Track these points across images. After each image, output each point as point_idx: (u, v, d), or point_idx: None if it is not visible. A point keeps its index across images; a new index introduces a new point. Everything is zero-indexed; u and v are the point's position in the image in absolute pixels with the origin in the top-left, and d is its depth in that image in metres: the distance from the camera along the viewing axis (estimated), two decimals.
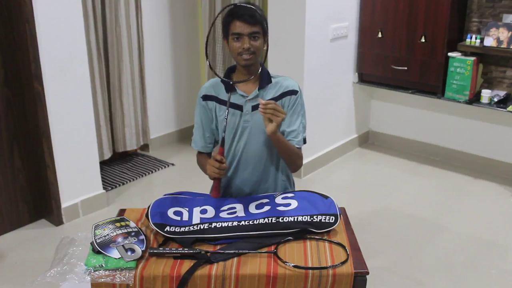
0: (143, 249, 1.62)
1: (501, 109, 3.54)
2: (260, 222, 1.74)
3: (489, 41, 3.52)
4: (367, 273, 1.58)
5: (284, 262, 1.58)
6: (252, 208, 1.84)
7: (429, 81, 3.81)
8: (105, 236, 1.65)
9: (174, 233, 1.70)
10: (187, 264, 1.58)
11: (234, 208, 1.86)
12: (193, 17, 4.50)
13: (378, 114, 4.54)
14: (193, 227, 1.73)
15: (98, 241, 1.63)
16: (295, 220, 1.74)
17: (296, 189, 2.09)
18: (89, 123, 3.29)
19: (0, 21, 2.92)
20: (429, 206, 3.52)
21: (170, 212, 1.80)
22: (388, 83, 4.09)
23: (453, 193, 3.74)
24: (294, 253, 1.64)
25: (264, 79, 1.99)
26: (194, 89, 4.56)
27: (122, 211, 1.90)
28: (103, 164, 3.96)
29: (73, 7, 3.03)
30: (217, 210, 1.84)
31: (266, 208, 1.83)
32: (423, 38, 3.73)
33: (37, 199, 3.28)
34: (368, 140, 4.64)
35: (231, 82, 1.95)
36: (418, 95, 3.93)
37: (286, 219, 1.74)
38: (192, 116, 2.12)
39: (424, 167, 4.13)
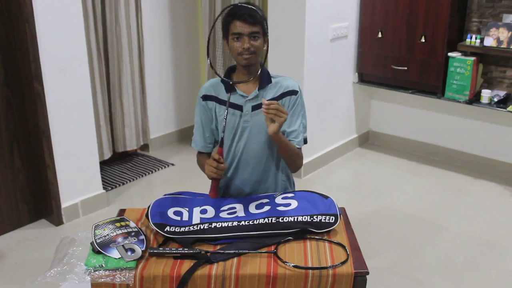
0: (143, 249, 1.62)
1: (501, 109, 3.54)
2: (260, 222, 1.74)
3: (489, 41, 3.52)
4: (367, 273, 1.58)
5: (284, 262, 1.58)
6: (252, 208, 1.84)
7: (429, 81, 3.81)
8: (105, 236, 1.65)
9: (174, 233, 1.70)
10: (187, 264, 1.58)
11: (234, 208, 1.86)
12: (193, 17, 4.50)
13: (378, 114, 4.54)
14: (193, 227, 1.73)
15: (98, 241, 1.63)
16: (295, 220, 1.74)
17: (296, 189, 2.09)
18: (89, 123, 3.29)
19: (0, 21, 2.92)
20: (429, 206, 3.52)
21: (170, 212, 1.80)
22: (388, 83, 4.09)
23: (453, 193, 3.74)
24: (294, 253, 1.64)
25: (264, 79, 1.99)
26: (194, 89, 4.56)
27: (122, 211, 1.90)
28: (103, 164, 3.96)
29: (73, 7, 3.03)
30: (217, 210, 1.84)
31: (266, 208, 1.83)
32: (423, 38, 3.73)
33: (37, 199, 3.28)
34: (368, 140, 4.64)
35: (230, 82, 1.95)
36: (418, 95, 3.93)
37: (286, 219, 1.75)
38: (192, 116, 2.12)
39: (424, 167, 4.13)
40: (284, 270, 1.56)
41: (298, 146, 2.00)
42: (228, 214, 1.82)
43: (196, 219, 1.78)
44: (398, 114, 4.39)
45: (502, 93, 3.64)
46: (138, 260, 1.59)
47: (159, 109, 4.43)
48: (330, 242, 1.70)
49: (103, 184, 3.56)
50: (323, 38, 3.78)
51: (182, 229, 1.72)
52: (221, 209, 1.85)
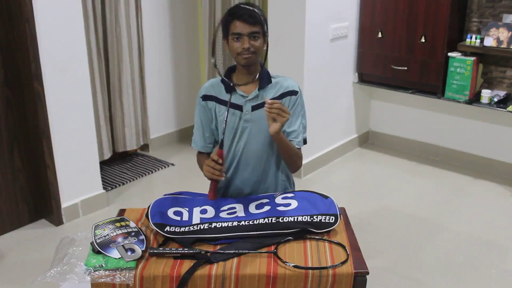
0: (143, 249, 1.62)
1: (501, 109, 3.54)
2: (260, 222, 1.74)
3: (489, 41, 3.52)
4: (367, 273, 1.58)
5: (284, 262, 1.58)
6: (252, 208, 1.84)
7: (429, 81, 3.81)
8: (105, 236, 1.65)
9: (174, 233, 1.70)
10: (187, 264, 1.58)
11: (234, 208, 1.86)
12: (193, 17, 4.50)
13: (378, 114, 4.54)
14: (193, 227, 1.73)
15: (98, 241, 1.63)
16: (295, 220, 1.74)
17: (296, 189, 2.09)
18: (89, 123, 3.29)
19: (0, 21, 2.92)
20: (429, 206, 3.52)
21: (170, 212, 1.80)
22: (388, 83, 4.09)
23: (453, 193, 3.74)
24: (294, 253, 1.64)
25: (264, 80, 1.99)
26: (194, 89, 4.56)
27: (122, 211, 1.90)
28: (103, 164, 3.96)
29: (73, 7, 3.03)
30: (217, 210, 1.84)
31: (266, 208, 1.83)
32: (423, 38, 3.73)
33: (37, 199, 3.28)
34: (368, 140, 4.64)
35: (232, 84, 1.95)
36: (418, 95, 3.93)
37: (286, 219, 1.75)
38: (192, 116, 2.12)
39: (424, 167, 4.13)
40: (284, 270, 1.56)
41: (298, 146, 2.00)
42: (228, 214, 1.82)
43: (196, 219, 1.78)
44: (398, 114, 4.39)
45: (502, 93, 3.64)
46: (138, 260, 1.59)
47: (159, 109, 4.43)
48: (330, 242, 1.70)
49: (103, 184, 3.56)
50: (323, 38, 3.78)
51: (182, 229, 1.72)
52: (221, 209, 1.85)
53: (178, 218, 1.78)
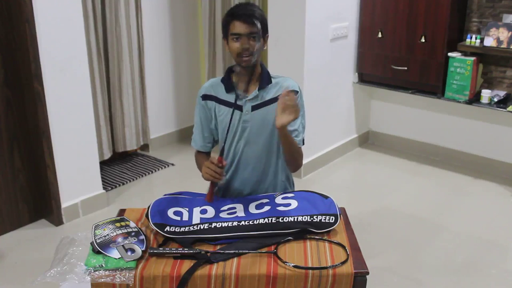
0: (143, 249, 1.62)
1: (501, 109, 3.54)
2: (260, 222, 1.74)
3: (489, 41, 3.52)
4: (367, 273, 1.58)
5: (284, 262, 1.58)
6: (252, 208, 1.84)
7: (429, 81, 3.81)
8: (105, 236, 1.65)
9: (174, 233, 1.70)
10: (187, 264, 1.58)
11: (234, 208, 1.86)
12: (193, 17, 4.50)
13: (378, 114, 4.53)
14: (193, 227, 1.73)
15: (98, 241, 1.63)
16: (295, 220, 1.74)
17: (296, 189, 2.09)
18: (89, 123, 3.29)
19: (0, 21, 2.92)
20: (429, 206, 3.52)
21: (170, 212, 1.80)
22: (388, 83, 4.09)
23: (453, 193, 3.74)
24: (294, 253, 1.64)
25: (264, 80, 1.99)
26: (194, 89, 4.56)
27: (122, 211, 1.90)
28: (103, 164, 3.96)
29: (73, 7, 3.03)
30: (217, 210, 1.84)
31: (266, 208, 1.83)
32: (423, 38, 3.73)
33: (37, 199, 3.28)
34: (368, 140, 4.64)
35: (238, 92, 1.94)
36: (418, 95, 3.93)
37: (286, 219, 1.75)
38: (192, 116, 2.13)
39: (424, 167, 4.13)
40: (284, 270, 1.56)
41: (298, 145, 2.00)
42: (228, 214, 1.82)
43: (196, 219, 1.78)
44: (398, 114, 4.39)
45: (502, 93, 3.64)
46: (138, 260, 1.59)
47: (159, 109, 4.43)
48: (330, 242, 1.70)
49: (103, 184, 3.56)
50: (323, 38, 3.78)
51: (182, 229, 1.72)
52: (221, 209, 1.85)
53: (178, 218, 1.78)
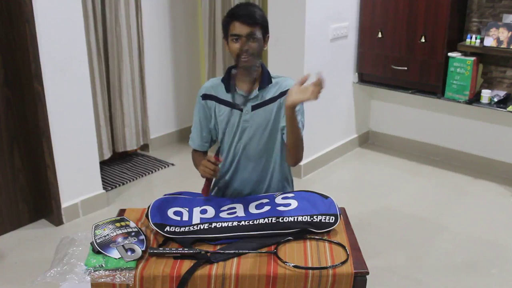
0: (143, 249, 1.63)
1: (501, 109, 3.54)
2: (260, 222, 1.74)
3: (489, 41, 3.52)
4: (367, 273, 1.58)
5: (284, 262, 1.58)
6: (252, 208, 1.84)
7: (429, 81, 3.81)
8: (105, 236, 1.65)
9: (174, 233, 1.70)
10: (187, 264, 1.58)
11: (234, 208, 1.86)
12: (193, 17, 4.50)
13: (378, 114, 4.53)
14: (193, 227, 1.73)
15: (98, 241, 1.63)
16: (295, 220, 1.74)
17: (295, 189, 2.09)
18: (89, 123, 3.29)
19: (0, 21, 2.92)
20: (429, 206, 3.52)
21: (170, 212, 1.80)
22: (388, 83, 4.09)
23: (453, 193, 3.74)
24: (294, 253, 1.64)
25: (265, 80, 1.99)
26: (194, 89, 4.56)
27: (122, 211, 1.90)
28: (103, 164, 3.96)
29: (73, 7, 3.03)
30: (217, 210, 1.84)
31: (266, 208, 1.83)
32: (423, 38, 3.73)
33: (37, 199, 3.28)
34: (368, 140, 4.64)
35: (243, 96, 1.95)
36: (418, 95, 3.93)
37: (286, 219, 1.75)
38: (192, 116, 2.13)
39: (424, 167, 4.13)
40: (284, 270, 1.56)
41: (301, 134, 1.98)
42: (228, 214, 1.82)
43: (196, 219, 1.78)
44: (398, 114, 4.39)
45: (502, 93, 3.64)
46: (138, 260, 1.59)
47: (159, 109, 4.43)
48: (330, 242, 1.70)
49: (103, 184, 3.56)
50: (323, 38, 3.78)
51: (182, 229, 1.72)
52: (221, 209, 1.85)
53: (178, 218, 1.78)
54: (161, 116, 4.48)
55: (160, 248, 1.63)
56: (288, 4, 3.59)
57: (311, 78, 1.76)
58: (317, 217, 1.75)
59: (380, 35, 3.95)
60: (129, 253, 1.59)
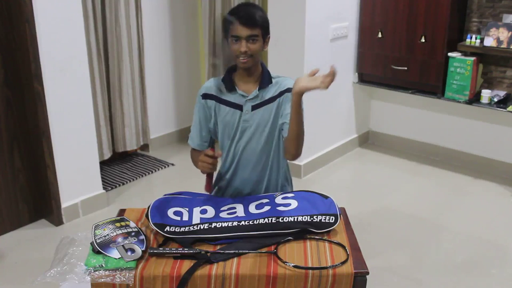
0: (143, 249, 1.62)
1: (501, 109, 3.54)
2: (260, 222, 1.74)
3: (489, 41, 3.52)
4: (367, 273, 1.58)
5: (284, 262, 1.58)
6: (252, 208, 1.84)
7: (429, 81, 3.81)
8: (105, 236, 1.65)
9: (174, 233, 1.70)
10: (187, 264, 1.58)
11: (234, 208, 1.86)
12: (193, 17, 4.50)
13: (378, 114, 4.54)
14: (193, 227, 1.73)
15: (98, 241, 1.63)
16: (295, 220, 1.74)
17: (295, 189, 2.09)
18: (89, 123, 3.29)
19: (0, 21, 2.92)
20: (429, 206, 3.52)
21: (170, 212, 1.80)
22: (388, 83, 4.09)
23: (453, 193, 3.74)
24: (294, 253, 1.64)
25: (265, 80, 1.99)
26: (194, 89, 4.56)
27: (122, 211, 1.90)
28: (103, 164, 3.96)
29: (73, 7, 3.03)
30: (217, 210, 1.84)
31: (266, 208, 1.83)
32: (423, 38, 3.73)
33: (37, 199, 3.28)
34: (368, 140, 4.64)
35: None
36: (418, 95, 3.93)
37: (286, 219, 1.75)
38: (192, 116, 2.13)
39: (424, 167, 4.13)
40: (284, 270, 1.56)
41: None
42: (228, 214, 1.82)
43: (196, 219, 1.78)
44: (398, 114, 4.39)
45: (502, 93, 3.64)
46: (138, 260, 1.59)
47: (159, 109, 4.43)
48: (330, 242, 1.70)
49: (103, 184, 3.56)
50: (323, 38, 3.78)
51: (182, 229, 1.72)
52: (221, 209, 1.85)
53: (178, 218, 1.78)
54: (161, 116, 4.48)
55: (160, 248, 1.63)
56: (288, 4, 3.59)
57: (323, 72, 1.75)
58: (317, 217, 1.75)
59: (380, 35, 3.95)
60: (129, 253, 1.59)
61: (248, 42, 1.88)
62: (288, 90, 1.99)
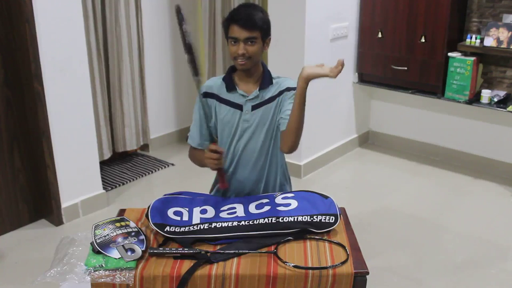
0: (143, 249, 1.62)
1: (501, 109, 3.54)
2: (260, 222, 1.74)
3: (489, 41, 3.52)
4: (367, 273, 1.58)
5: (284, 262, 1.58)
6: (252, 208, 1.84)
7: (429, 81, 3.81)
8: (105, 236, 1.65)
9: (174, 233, 1.70)
10: (187, 264, 1.58)
11: (234, 208, 1.86)
12: (193, 17, 4.50)
13: (378, 114, 4.53)
14: (193, 227, 1.73)
15: (98, 241, 1.63)
16: (295, 220, 1.74)
17: (294, 189, 2.09)
18: (89, 123, 3.29)
19: (0, 21, 2.92)
20: (429, 206, 3.52)
21: (170, 212, 1.80)
22: (388, 83, 4.09)
23: (453, 193, 3.74)
24: (294, 253, 1.64)
25: (266, 80, 2.00)
26: (194, 89, 4.49)
27: (122, 211, 1.90)
28: (103, 164, 3.96)
29: (73, 7, 3.03)
30: (217, 210, 1.84)
31: (266, 208, 1.83)
32: (423, 38, 3.73)
33: (37, 199, 3.28)
34: (368, 140, 4.64)
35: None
36: (418, 95, 3.93)
37: (286, 219, 1.75)
38: (192, 115, 2.13)
39: (424, 167, 4.13)
40: (284, 270, 1.56)
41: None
42: (228, 214, 1.82)
43: (196, 219, 1.78)
44: (398, 114, 4.39)
45: (502, 93, 3.64)
46: (138, 260, 1.59)
47: (159, 109, 4.43)
48: (330, 242, 1.70)
49: (103, 184, 3.56)
50: (323, 38, 3.78)
51: (182, 229, 1.72)
52: (221, 209, 1.86)
53: (178, 218, 1.78)
54: (161, 116, 4.48)
55: (160, 248, 1.63)
56: (288, 4, 3.59)
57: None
58: (317, 217, 1.75)
59: (380, 35, 3.95)
60: (129, 253, 1.59)
61: (246, 44, 1.88)
62: (288, 89, 1.99)
